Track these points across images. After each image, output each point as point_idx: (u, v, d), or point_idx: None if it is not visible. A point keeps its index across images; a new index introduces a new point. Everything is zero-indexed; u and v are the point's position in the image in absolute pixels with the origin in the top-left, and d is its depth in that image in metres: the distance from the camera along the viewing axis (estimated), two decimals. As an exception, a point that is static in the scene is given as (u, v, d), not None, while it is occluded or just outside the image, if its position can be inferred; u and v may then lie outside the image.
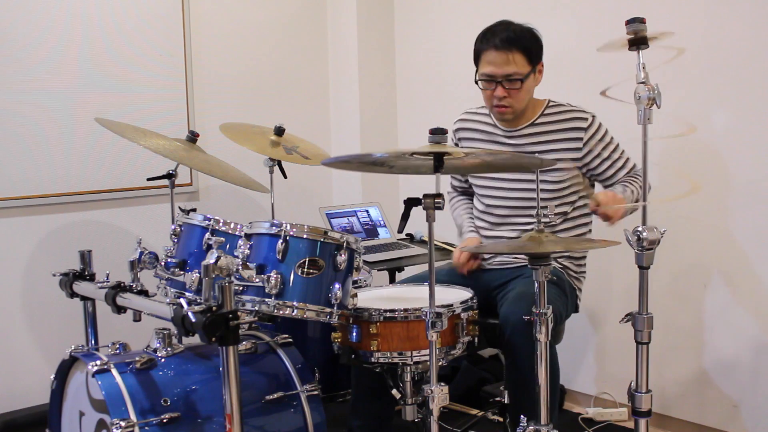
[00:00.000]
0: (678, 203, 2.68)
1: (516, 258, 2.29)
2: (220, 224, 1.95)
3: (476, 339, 1.96)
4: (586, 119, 2.22)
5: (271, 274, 1.75)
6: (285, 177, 2.87)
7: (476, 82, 2.24)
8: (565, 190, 2.27)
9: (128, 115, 2.99)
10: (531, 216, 2.22)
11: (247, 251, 1.81)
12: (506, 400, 2.29)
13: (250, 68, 3.50)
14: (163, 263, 1.98)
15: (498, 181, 2.33)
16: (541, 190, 2.22)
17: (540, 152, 2.22)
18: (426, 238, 1.76)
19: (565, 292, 2.22)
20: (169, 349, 1.87)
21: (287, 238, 1.78)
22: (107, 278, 1.99)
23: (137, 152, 3.00)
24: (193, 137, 2.55)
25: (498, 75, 2.17)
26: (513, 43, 2.15)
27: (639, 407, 1.69)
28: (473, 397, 3.02)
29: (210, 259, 1.52)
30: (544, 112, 2.27)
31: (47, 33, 2.86)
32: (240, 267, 1.72)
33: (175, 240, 2.02)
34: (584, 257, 2.40)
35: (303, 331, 2.40)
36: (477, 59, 2.24)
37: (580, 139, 2.22)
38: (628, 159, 2.27)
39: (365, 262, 2.78)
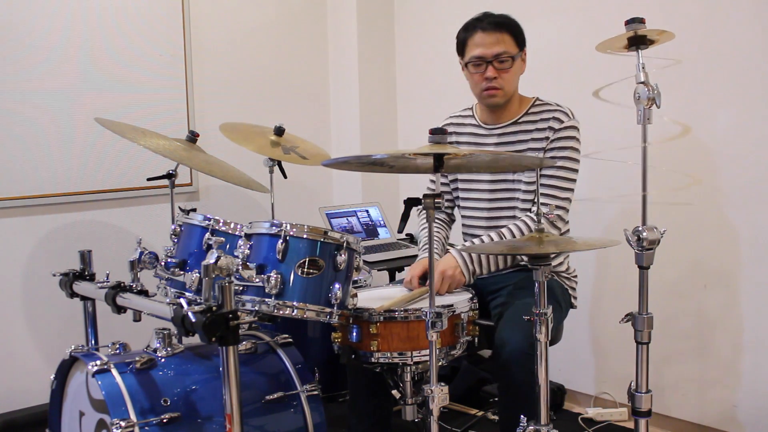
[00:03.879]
0: (677, 205, 2.68)
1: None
2: (220, 224, 1.95)
3: (476, 339, 1.96)
4: (563, 121, 2.16)
5: (271, 274, 1.75)
6: (285, 177, 2.87)
7: (465, 66, 2.21)
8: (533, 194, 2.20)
9: (128, 115, 2.99)
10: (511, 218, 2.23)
11: (247, 251, 1.81)
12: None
13: (250, 68, 3.50)
14: (163, 263, 1.98)
15: (478, 183, 2.32)
16: (516, 189, 2.23)
17: (517, 150, 2.21)
18: (426, 238, 1.76)
19: (557, 299, 2.17)
20: (169, 349, 1.87)
21: (287, 238, 1.78)
22: (107, 278, 1.99)
23: (137, 152, 3.00)
24: (193, 137, 2.55)
25: (488, 55, 2.14)
26: (500, 25, 2.16)
27: (639, 407, 1.69)
28: (473, 397, 3.03)
29: (210, 259, 1.52)
30: (529, 111, 2.24)
31: (47, 33, 2.86)
32: (240, 267, 1.72)
33: (175, 240, 2.02)
34: (567, 257, 2.34)
35: (303, 331, 2.40)
36: (462, 47, 2.22)
37: (547, 138, 2.17)
38: (562, 189, 2.13)
39: (365, 262, 2.79)
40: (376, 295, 2.14)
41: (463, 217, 2.40)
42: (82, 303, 2.12)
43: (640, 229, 1.63)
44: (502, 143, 2.27)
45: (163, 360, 1.83)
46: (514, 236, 2.12)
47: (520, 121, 2.24)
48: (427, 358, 1.83)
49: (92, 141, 2.98)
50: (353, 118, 3.70)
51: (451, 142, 2.36)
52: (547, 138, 2.17)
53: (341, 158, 1.73)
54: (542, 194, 2.14)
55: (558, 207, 2.12)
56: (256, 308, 1.77)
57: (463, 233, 2.41)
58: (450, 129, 2.38)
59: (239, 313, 1.57)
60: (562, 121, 2.17)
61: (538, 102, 2.26)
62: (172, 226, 2.03)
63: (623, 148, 2.25)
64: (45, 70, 2.86)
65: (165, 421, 1.69)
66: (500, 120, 2.27)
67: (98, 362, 1.74)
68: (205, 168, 2.41)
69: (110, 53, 3.02)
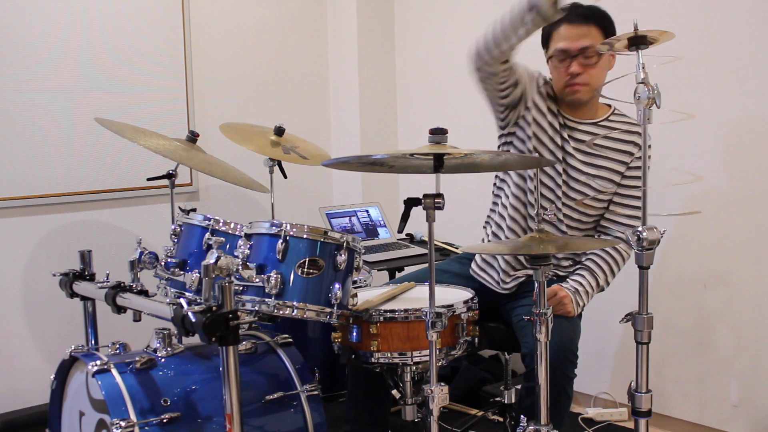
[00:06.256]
0: (678, 202, 2.68)
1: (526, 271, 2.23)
2: (220, 224, 1.95)
3: (476, 339, 1.95)
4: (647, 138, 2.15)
5: (271, 274, 1.75)
6: (285, 177, 2.87)
7: (549, 60, 2.11)
8: (601, 202, 2.16)
9: (128, 115, 2.99)
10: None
11: (247, 251, 1.81)
12: (506, 401, 2.29)
13: (250, 68, 3.50)
14: (163, 263, 1.98)
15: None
16: (581, 192, 2.15)
17: (593, 155, 2.13)
18: (426, 238, 1.76)
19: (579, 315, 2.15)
20: (169, 349, 1.87)
21: (287, 238, 1.78)
22: (107, 278, 1.99)
23: (137, 152, 3.00)
24: (193, 137, 2.55)
25: (573, 49, 2.02)
26: (588, 17, 2.03)
27: (639, 407, 1.68)
28: (473, 397, 3.03)
29: (210, 259, 1.52)
30: (609, 118, 2.16)
31: (47, 33, 2.86)
32: (240, 267, 1.72)
33: (175, 240, 2.02)
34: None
35: (303, 331, 2.40)
36: (546, 39, 2.11)
37: (631, 154, 2.12)
38: (636, 218, 2.12)
39: (365, 262, 2.78)
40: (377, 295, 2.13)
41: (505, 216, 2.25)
42: (82, 303, 2.12)
43: (639, 229, 1.63)
44: (580, 140, 2.15)
45: (163, 360, 1.83)
46: (609, 278, 2.16)
47: (600, 124, 2.16)
48: (427, 358, 1.82)
49: (92, 141, 2.97)
50: (353, 118, 3.70)
51: (537, 101, 2.17)
52: (630, 153, 2.12)
53: (341, 158, 1.72)
54: (629, 216, 2.13)
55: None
56: (256, 308, 1.77)
57: (509, 225, 2.25)
58: (545, 91, 2.17)
59: (239, 313, 1.57)
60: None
61: (617, 111, 2.19)
62: (172, 226, 2.03)
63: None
64: (45, 70, 2.86)
65: (165, 421, 1.69)
66: (578, 116, 2.16)
67: (98, 362, 1.74)
68: (205, 168, 2.41)
69: (110, 53, 3.02)
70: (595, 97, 2.15)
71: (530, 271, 2.21)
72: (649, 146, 2.13)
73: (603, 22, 2.05)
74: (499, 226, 2.28)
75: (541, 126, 2.15)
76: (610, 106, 2.21)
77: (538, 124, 2.15)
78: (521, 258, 2.22)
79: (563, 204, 2.16)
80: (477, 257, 2.32)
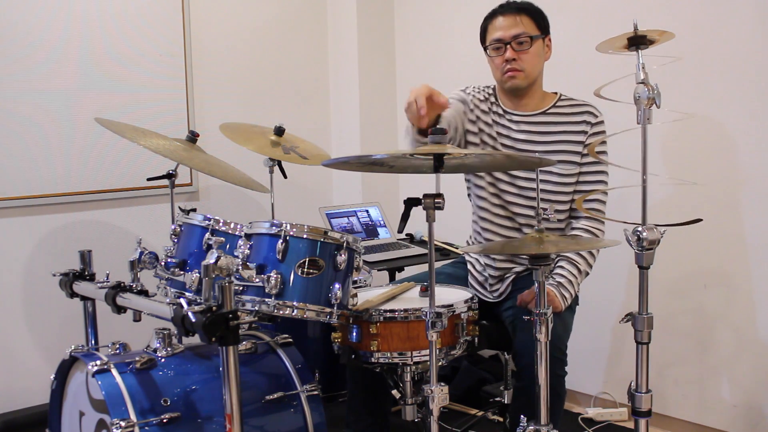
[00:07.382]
0: (678, 202, 2.68)
1: (519, 263, 2.25)
2: (220, 224, 1.95)
3: (476, 339, 1.95)
4: (597, 116, 2.19)
5: (271, 274, 1.74)
6: (285, 177, 2.87)
7: (485, 49, 2.21)
8: (568, 186, 2.19)
9: (128, 115, 2.99)
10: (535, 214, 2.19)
11: (247, 251, 1.81)
12: (506, 401, 2.29)
13: (250, 68, 3.50)
14: (163, 263, 1.98)
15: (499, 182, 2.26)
16: (546, 181, 2.17)
17: (547, 142, 2.18)
18: (426, 238, 1.76)
19: (571, 308, 2.16)
20: (169, 349, 1.87)
21: (287, 238, 1.78)
22: (107, 278, 1.99)
23: (137, 152, 3.00)
24: (193, 137, 2.55)
25: (506, 37, 2.14)
26: (520, 9, 2.17)
27: (639, 407, 1.68)
28: (473, 397, 3.03)
29: (210, 259, 1.52)
30: (557, 104, 2.23)
31: (47, 33, 2.86)
32: (240, 267, 1.72)
33: (175, 240, 2.02)
34: None
35: (303, 331, 2.40)
36: (484, 34, 2.22)
37: (585, 132, 2.18)
38: (599, 191, 2.19)
39: (365, 262, 2.79)
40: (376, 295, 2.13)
41: (482, 209, 2.30)
42: (82, 303, 2.12)
43: (639, 229, 1.63)
44: (532, 131, 2.22)
45: (163, 360, 1.83)
46: (590, 261, 2.18)
47: (548, 112, 2.22)
48: (427, 358, 1.82)
49: (92, 141, 2.98)
50: (353, 118, 3.70)
51: (477, 109, 2.27)
52: (584, 132, 2.18)
53: (341, 158, 1.72)
54: (594, 190, 2.17)
55: (603, 202, 2.20)
56: (256, 308, 1.77)
57: (483, 228, 2.31)
58: (476, 102, 2.27)
59: (239, 313, 1.57)
60: (596, 116, 2.20)
61: (563, 97, 2.25)
62: (172, 226, 2.03)
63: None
64: (45, 70, 2.86)
65: (165, 421, 1.69)
66: (524, 109, 2.24)
67: (98, 362, 1.74)
68: (205, 168, 2.41)
69: (110, 53, 3.02)
70: (538, 87, 2.24)
71: (517, 268, 2.23)
72: (602, 122, 2.20)
73: (535, 14, 2.19)
74: (478, 231, 2.32)
75: (490, 134, 2.25)
76: (556, 93, 2.26)
77: (484, 132, 2.25)
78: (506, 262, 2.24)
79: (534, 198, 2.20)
80: (470, 274, 2.34)
